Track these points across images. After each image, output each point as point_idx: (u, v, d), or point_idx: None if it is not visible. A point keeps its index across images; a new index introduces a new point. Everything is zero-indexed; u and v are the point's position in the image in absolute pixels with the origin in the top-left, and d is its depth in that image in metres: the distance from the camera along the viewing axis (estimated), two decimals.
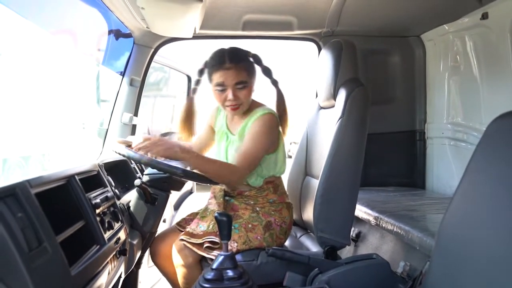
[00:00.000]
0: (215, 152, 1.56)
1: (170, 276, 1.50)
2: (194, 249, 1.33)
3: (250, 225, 1.39)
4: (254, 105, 1.49)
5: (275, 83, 1.55)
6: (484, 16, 1.78)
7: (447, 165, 2.12)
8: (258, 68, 1.49)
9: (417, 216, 1.55)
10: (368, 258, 1.25)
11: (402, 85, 2.29)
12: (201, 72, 1.54)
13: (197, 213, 1.52)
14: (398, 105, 2.29)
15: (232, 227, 1.32)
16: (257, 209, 1.45)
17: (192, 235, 1.36)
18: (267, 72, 1.53)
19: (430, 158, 2.24)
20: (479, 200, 0.82)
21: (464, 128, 2.02)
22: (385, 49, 2.27)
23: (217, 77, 1.41)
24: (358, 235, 1.84)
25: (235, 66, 1.41)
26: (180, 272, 1.38)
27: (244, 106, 1.45)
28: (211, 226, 1.35)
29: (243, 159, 1.38)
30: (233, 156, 1.45)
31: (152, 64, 2.03)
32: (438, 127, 2.18)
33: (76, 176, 0.95)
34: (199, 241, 1.33)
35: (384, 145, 2.22)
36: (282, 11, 1.90)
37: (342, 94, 1.50)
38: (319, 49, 2.16)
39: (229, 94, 1.41)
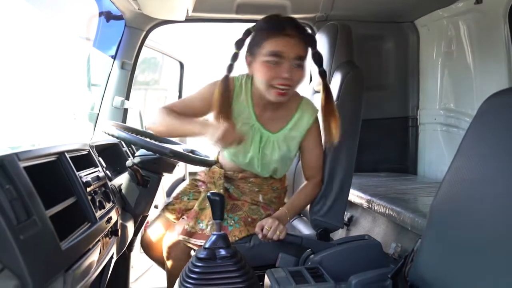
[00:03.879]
0: (239, 147, 1.25)
1: (160, 263, 1.48)
2: (194, 247, 1.27)
3: (249, 219, 1.33)
4: (295, 97, 1.30)
5: (323, 73, 1.31)
6: (479, 1, 1.78)
7: (439, 151, 2.14)
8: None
9: (408, 198, 1.57)
10: (360, 239, 1.25)
11: (395, 71, 2.29)
12: (240, 44, 1.24)
13: (186, 193, 1.47)
14: (391, 91, 2.29)
15: (232, 220, 1.32)
16: (259, 198, 1.39)
17: (191, 234, 1.28)
18: (318, 58, 1.28)
19: (422, 144, 2.26)
20: (470, 178, 0.82)
21: (456, 114, 2.03)
22: (379, 34, 2.27)
23: (274, 44, 1.16)
24: (350, 219, 1.86)
25: (299, 35, 1.18)
26: (171, 264, 1.34)
27: (291, 92, 1.22)
28: (210, 227, 1.27)
29: (319, 171, 1.34)
30: (273, 157, 1.32)
31: (144, 57, 2.00)
32: (431, 113, 2.19)
33: (66, 154, 0.94)
34: (200, 242, 1.24)
35: (377, 131, 2.22)
36: None
37: (337, 77, 1.49)
38: (314, 34, 2.14)
39: (285, 69, 1.16)
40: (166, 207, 1.46)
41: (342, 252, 1.20)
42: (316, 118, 1.34)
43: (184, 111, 1.27)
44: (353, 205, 1.84)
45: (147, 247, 1.47)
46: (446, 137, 2.10)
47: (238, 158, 1.36)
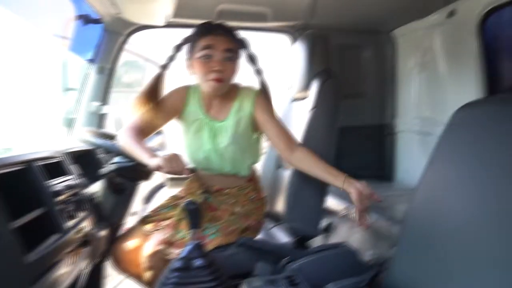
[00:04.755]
0: (194, 144, 1.40)
1: (135, 276, 1.42)
2: (173, 257, 1.22)
3: (229, 229, 1.33)
4: (235, 87, 1.40)
5: (259, 72, 1.42)
6: (451, 14, 1.84)
7: (415, 158, 2.18)
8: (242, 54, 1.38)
9: (385, 206, 1.59)
10: (337, 247, 1.26)
11: (372, 80, 2.33)
12: (178, 48, 1.38)
13: (164, 207, 1.45)
14: (368, 100, 2.33)
15: (213, 229, 1.31)
16: (237, 209, 1.39)
17: (170, 243, 1.28)
18: (252, 59, 1.40)
19: (399, 152, 2.30)
20: (443, 186, 0.84)
21: (431, 122, 2.08)
22: (358, 44, 2.30)
23: (204, 40, 1.29)
24: (328, 226, 1.87)
25: (225, 33, 1.32)
26: (150, 275, 1.30)
27: (227, 83, 1.33)
28: (189, 236, 1.26)
29: (294, 139, 1.37)
30: (225, 145, 1.36)
31: (126, 59, 1.98)
32: (407, 121, 2.24)
33: (36, 162, 0.91)
34: (179, 251, 1.20)
35: (354, 138, 2.25)
36: (257, 2, 1.89)
37: (314, 85, 1.51)
38: (294, 42, 2.16)
39: (216, 62, 1.29)
40: (143, 219, 1.43)
41: (318, 260, 1.20)
42: (258, 96, 1.38)
43: (148, 125, 1.37)
44: (331, 212, 1.85)
45: (119, 258, 1.42)
46: (422, 145, 2.14)
47: (196, 155, 1.40)
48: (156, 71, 1.40)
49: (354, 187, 1.25)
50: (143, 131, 1.36)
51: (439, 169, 0.87)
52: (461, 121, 0.85)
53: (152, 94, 1.37)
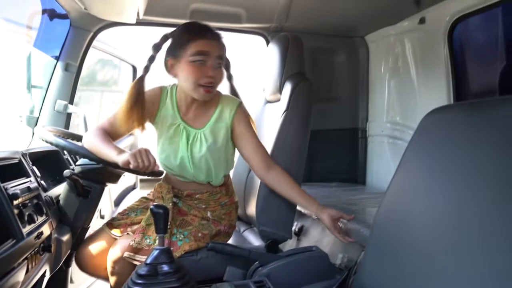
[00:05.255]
0: (168, 149, 1.33)
1: (103, 279, 1.38)
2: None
3: (200, 234, 1.30)
4: (216, 94, 1.35)
5: (230, 77, 1.42)
6: (422, 21, 1.89)
7: (385, 161, 2.22)
8: None
9: (356, 209, 1.60)
10: (308, 250, 1.25)
11: (346, 84, 2.36)
12: (157, 47, 1.31)
13: (133, 210, 1.41)
14: (341, 104, 2.35)
15: (182, 235, 1.28)
16: (208, 214, 1.36)
17: (136, 250, 1.22)
18: (227, 64, 1.39)
19: (370, 155, 2.33)
20: (411, 190, 0.85)
21: (402, 126, 2.12)
22: (331, 48, 2.32)
23: (199, 45, 1.23)
24: (300, 229, 1.86)
25: (219, 39, 1.28)
26: (115, 280, 1.26)
27: (215, 90, 1.29)
28: (157, 243, 1.21)
29: (269, 157, 1.36)
30: (201, 154, 1.31)
31: (100, 58, 1.91)
32: (379, 125, 2.28)
33: None
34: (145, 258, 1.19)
35: (327, 142, 2.27)
36: (231, 3, 1.87)
37: (287, 88, 1.50)
38: (268, 44, 2.16)
39: (210, 68, 1.24)
40: (110, 223, 1.38)
41: (289, 264, 1.19)
42: (239, 106, 1.36)
43: (113, 129, 1.31)
44: (303, 215, 1.85)
45: (84, 262, 1.36)
46: (393, 149, 2.19)
47: (170, 161, 1.34)
48: (129, 69, 1.35)
49: (326, 214, 1.29)
50: (112, 133, 1.30)
51: (407, 174, 0.87)
52: (430, 126, 0.86)
53: (136, 100, 1.29)
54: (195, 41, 1.24)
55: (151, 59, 1.32)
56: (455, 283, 0.68)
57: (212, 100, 1.34)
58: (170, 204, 1.31)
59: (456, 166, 0.75)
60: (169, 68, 1.30)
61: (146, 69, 1.33)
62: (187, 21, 1.91)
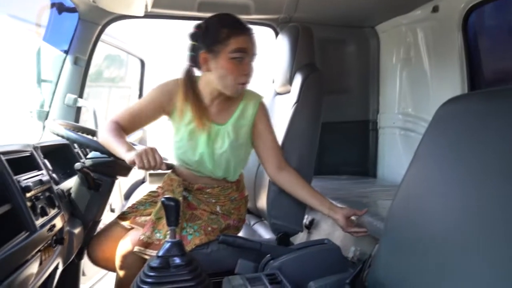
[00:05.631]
0: (187, 145, 1.30)
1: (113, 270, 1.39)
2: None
3: (209, 228, 1.29)
4: None
5: None
6: (435, 9, 1.84)
7: (397, 154, 2.19)
8: None
9: (367, 202, 1.58)
10: (319, 243, 1.24)
11: (356, 75, 2.32)
12: (196, 36, 1.26)
13: (142, 203, 1.41)
14: (352, 95, 2.32)
15: (192, 229, 1.27)
16: (217, 209, 1.35)
17: (147, 244, 1.21)
18: None
19: (381, 147, 2.30)
20: (426, 183, 0.83)
21: (414, 118, 2.09)
22: (341, 38, 2.29)
23: (240, 42, 1.22)
24: (311, 222, 1.85)
25: (253, 34, 1.27)
26: (123, 274, 1.26)
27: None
28: (167, 237, 1.20)
29: (283, 157, 1.36)
30: (223, 151, 1.29)
31: (108, 54, 1.91)
32: (390, 117, 2.24)
33: (1, 156, 0.85)
34: (156, 252, 1.16)
35: (338, 134, 2.25)
36: None
37: (298, 79, 1.48)
38: (276, 35, 2.13)
39: (247, 65, 1.24)
40: (120, 217, 1.38)
41: (301, 257, 1.18)
42: (262, 104, 1.36)
43: (134, 120, 1.30)
44: (314, 208, 1.84)
45: (96, 255, 1.37)
46: (405, 141, 2.15)
47: (187, 157, 1.32)
48: (137, 64, 1.34)
49: (339, 214, 1.28)
50: (127, 127, 1.29)
51: (422, 166, 0.85)
52: (445, 116, 0.83)
53: (189, 91, 1.28)
54: (236, 37, 1.22)
55: (194, 48, 1.27)
56: (474, 277, 0.66)
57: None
58: (180, 198, 1.30)
59: (475, 157, 0.73)
60: (201, 61, 1.25)
61: (192, 59, 1.28)
62: (196, 13, 1.91)
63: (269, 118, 1.38)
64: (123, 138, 1.22)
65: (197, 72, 1.32)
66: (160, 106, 1.31)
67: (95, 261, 1.38)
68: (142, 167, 1.09)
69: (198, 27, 1.28)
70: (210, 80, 1.28)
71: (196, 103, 1.28)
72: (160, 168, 1.11)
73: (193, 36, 1.27)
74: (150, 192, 1.46)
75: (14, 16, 1.91)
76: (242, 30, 1.24)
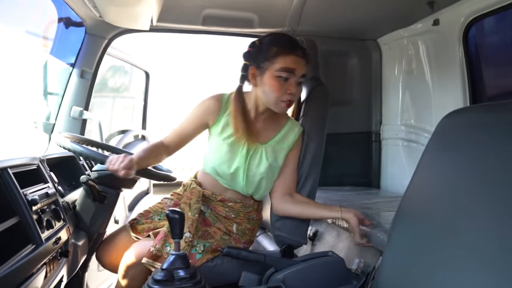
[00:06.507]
0: (224, 157, 1.32)
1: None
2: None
3: (219, 249, 1.29)
4: (285, 114, 1.39)
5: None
6: (436, 22, 1.86)
7: (400, 165, 2.19)
8: None
9: (371, 213, 1.58)
10: (323, 255, 1.24)
11: (359, 87, 2.34)
12: (249, 56, 1.30)
13: (158, 213, 1.40)
14: (355, 107, 2.33)
15: (202, 246, 1.27)
16: (233, 228, 1.35)
17: (156, 257, 1.21)
18: None
19: (384, 159, 2.31)
20: (429, 194, 0.83)
21: (416, 129, 2.10)
22: (344, 51, 2.31)
23: (288, 61, 1.24)
24: (315, 234, 1.85)
25: (305, 57, 1.28)
26: (126, 284, 1.26)
27: (292, 105, 1.33)
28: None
29: (295, 187, 1.39)
30: (259, 170, 1.31)
31: (112, 65, 1.94)
32: (393, 128, 2.25)
33: (9, 169, 0.86)
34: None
35: (341, 145, 2.25)
36: (243, 8, 1.88)
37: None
38: None
39: (293, 85, 1.25)
40: (133, 226, 1.38)
41: (305, 270, 1.18)
42: (302, 135, 1.39)
43: (177, 138, 1.36)
44: (317, 219, 1.84)
45: (104, 259, 1.40)
46: (407, 152, 2.16)
47: (223, 169, 1.33)
48: (141, 76, 1.38)
49: (353, 213, 1.29)
50: (171, 145, 1.35)
51: (425, 177, 0.86)
52: (448, 128, 0.84)
53: (239, 106, 1.32)
54: (283, 56, 1.24)
55: (245, 68, 1.32)
56: None
57: (280, 118, 1.37)
58: (196, 215, 1.28)
59: (477, 168, 0.74)
60: (250, 76, 1.30)
61: (243, 78, 1.33)
62: (201, 27, 1.93)
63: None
64: (143, 151, 1.28)
65: (245, 88, 1.37)
66: (204, 122, 1.36)
67: (103, 264, 1.41)
68: (108, 168, 1.18)
69: (252, 46, 1.32)
70: (256, 95, 1.32)
71: (243, 117, 1.31)
72: (123, 174, 1.16)
73: (246, 56, 1.32)
74: (165, 198, 1.46)
75: (27, 31, 1.95)
76: (292, 50, 1.25)
